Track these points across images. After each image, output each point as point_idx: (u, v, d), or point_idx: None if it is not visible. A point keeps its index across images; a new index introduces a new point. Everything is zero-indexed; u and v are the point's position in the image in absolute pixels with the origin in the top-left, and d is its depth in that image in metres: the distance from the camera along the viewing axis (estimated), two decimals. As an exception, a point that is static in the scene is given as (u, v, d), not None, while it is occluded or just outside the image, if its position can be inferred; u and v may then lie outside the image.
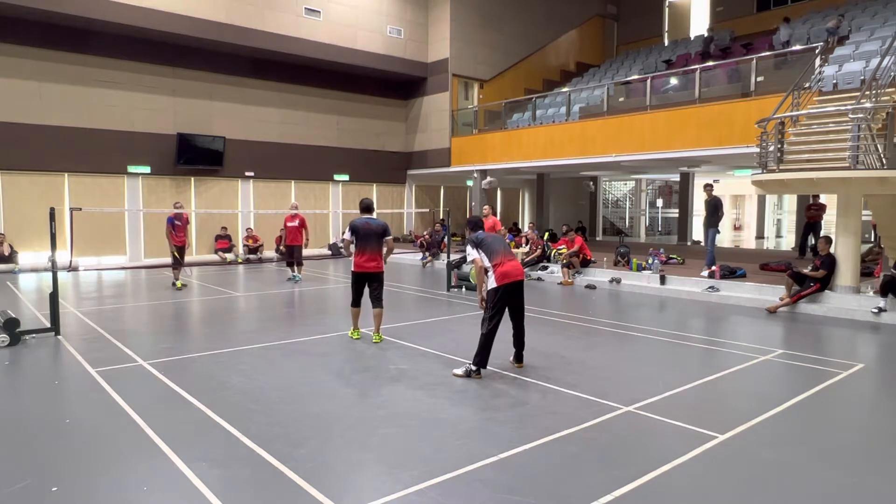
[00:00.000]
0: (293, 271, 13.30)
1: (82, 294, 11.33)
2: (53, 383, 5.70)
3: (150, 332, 7.94)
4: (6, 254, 14.40)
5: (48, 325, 7.62)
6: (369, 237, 7.13)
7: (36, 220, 14.55)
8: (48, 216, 7.59)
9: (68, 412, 4.91)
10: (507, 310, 5.95)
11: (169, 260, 12.11)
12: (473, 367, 5.79)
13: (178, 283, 11.86)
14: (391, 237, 7.41)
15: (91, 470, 3.82)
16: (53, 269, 7.60)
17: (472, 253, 6.00)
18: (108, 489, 3.56)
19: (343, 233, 7.56)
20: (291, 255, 13.33)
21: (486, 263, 5.90)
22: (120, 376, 5.82)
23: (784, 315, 9.43)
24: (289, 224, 13.16)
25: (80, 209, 9.38)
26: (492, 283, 5.85)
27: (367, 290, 7.31)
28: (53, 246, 7.51)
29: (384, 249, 7.29)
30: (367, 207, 7.41)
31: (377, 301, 7.24)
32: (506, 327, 6.00)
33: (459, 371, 5.86)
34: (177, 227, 11.74)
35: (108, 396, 5.21)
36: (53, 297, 7.55)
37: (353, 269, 7.25)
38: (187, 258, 12.46)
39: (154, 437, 4.29)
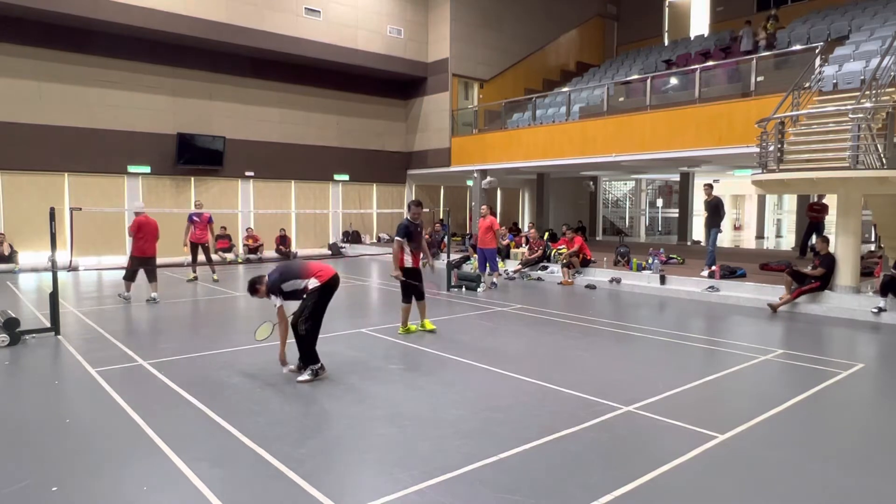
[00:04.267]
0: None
1: (82, 294, 11.33)
2: (53, 383, 5.70)
3: (150, 332, 7.94)
4: (6, 254, 14.40)
5: (48, 324, 7.62)
6: (419, 236, 7.90)
7: (36, 220, 14.54)
8: (48, 216, 7.59)
9: (68, 412, 4.91)
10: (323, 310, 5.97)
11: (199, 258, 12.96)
12: (318, 366, 5.68)
13: (191, 276, 12.69)
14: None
15: (91, 470, 3.82)
16: (53, 268, 7.60)
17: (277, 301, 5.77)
18: (108, 489, 3.56)
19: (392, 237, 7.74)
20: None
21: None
22: (120, 376, 5.82)
23: (784, 315, 9.43)
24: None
25: (80, 209, 9.38)
26: (315, 282, 5.82)
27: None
28: (53, 246, 7.51)
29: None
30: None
31: (422, 294, 7.98)
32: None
33: (305, 377, 5.62)
34: (196, 223, 12.27)
35: (108, 396, 5.20)
36: (53, 297, 7.55)
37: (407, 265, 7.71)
38: (185, 258, 12.78)
39: (154, 437, 4.29)
